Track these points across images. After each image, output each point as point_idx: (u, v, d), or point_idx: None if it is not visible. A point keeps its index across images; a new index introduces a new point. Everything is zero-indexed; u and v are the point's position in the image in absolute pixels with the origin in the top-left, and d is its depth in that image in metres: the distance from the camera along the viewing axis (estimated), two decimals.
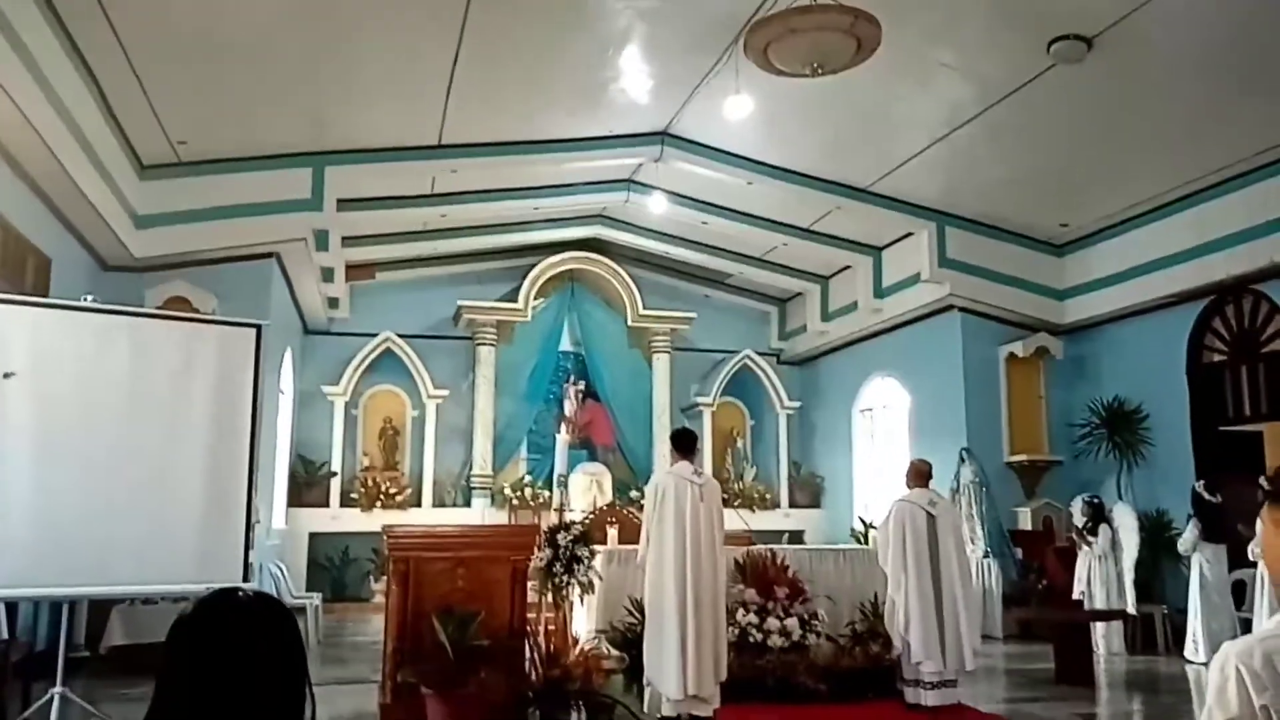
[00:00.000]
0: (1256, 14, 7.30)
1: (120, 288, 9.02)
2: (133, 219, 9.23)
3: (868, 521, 12.45)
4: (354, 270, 13.23)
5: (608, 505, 11.99)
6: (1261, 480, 8.80)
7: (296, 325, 13.11)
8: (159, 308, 9.06)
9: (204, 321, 6.46)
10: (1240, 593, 9.14)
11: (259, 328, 5.73)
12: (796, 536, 13.69)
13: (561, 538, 6.33)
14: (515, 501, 13.80)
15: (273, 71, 8.26)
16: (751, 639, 6.84)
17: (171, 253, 9.52)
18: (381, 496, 13.38)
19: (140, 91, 8.16)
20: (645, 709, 6.16)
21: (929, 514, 6.86)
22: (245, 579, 5.85)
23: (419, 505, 13.63)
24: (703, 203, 12.29)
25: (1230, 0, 7.19)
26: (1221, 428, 10.45)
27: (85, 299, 5.55)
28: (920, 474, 7.09)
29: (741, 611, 6.91)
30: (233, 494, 5.80)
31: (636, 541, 6.50)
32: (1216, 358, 10.58)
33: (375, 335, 13.81)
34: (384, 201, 11.59)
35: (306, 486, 13.29)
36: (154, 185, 9.42)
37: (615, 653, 6.59)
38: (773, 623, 6.93)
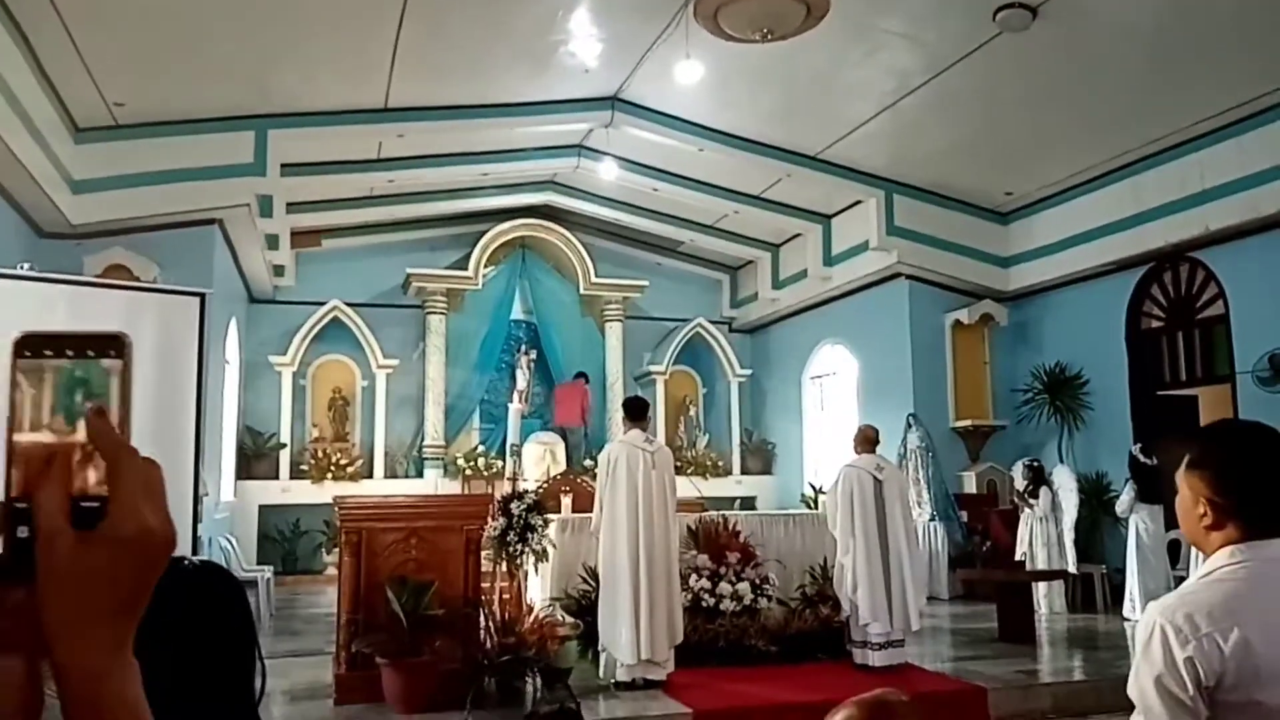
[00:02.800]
0: None
1: (58, 255, 8.74)
2: (69, 184, 8.95)
3: (818, 487, 12.64)
4: (300, 237, 12.99)
5: (561, 474, 12.02)
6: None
7: (241, 294, 12.85)
8: (98, 276, 8.82)
9: (145, 290, 6.29)
10: (1176, 551, 9.46)
11: (203, 296, 5.58)
12: (749, 503, 13.86)
13: (515, 506, 6.34)
14: (468, 472, 13.76)
15: (213, 31, 8.02)
16: (704, 604, 6.94)
17: (110, 219, 9.24)
18: (332, 468, 13.26)
19: (74, 51, 7.88)
20: (600, 674, 6.22)
21: (876, 479, 6.98)
22: (194, 552, 5.77)
23: (371, 476, 13.52)
24: (654, 169, 12.25)
25: None
26: (1159, 392, 10.75)
27: (21, 267, 5.37)
28: (867, 440, 7.21)
29: (694, 577, 7.00)
30: (179, 467, 5.68)
31: (590, 510, 6.54)
32: (1154, 324, 10.87)
33: (323, 304, 13.59)
34: (330, 166, 11.37)
35: (255, 459, 13.11)
36: (90, 149, 9.12)
37: (570, 619, 6.64)
38: (725, 587, 7.04)
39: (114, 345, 0.64)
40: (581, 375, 14.46)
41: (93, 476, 0.61)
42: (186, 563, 1.47)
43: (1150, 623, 1.62)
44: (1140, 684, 1.60)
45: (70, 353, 0.62)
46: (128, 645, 0.62)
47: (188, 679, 1.39)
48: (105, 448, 0.61)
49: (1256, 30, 7.85)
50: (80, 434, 0.61)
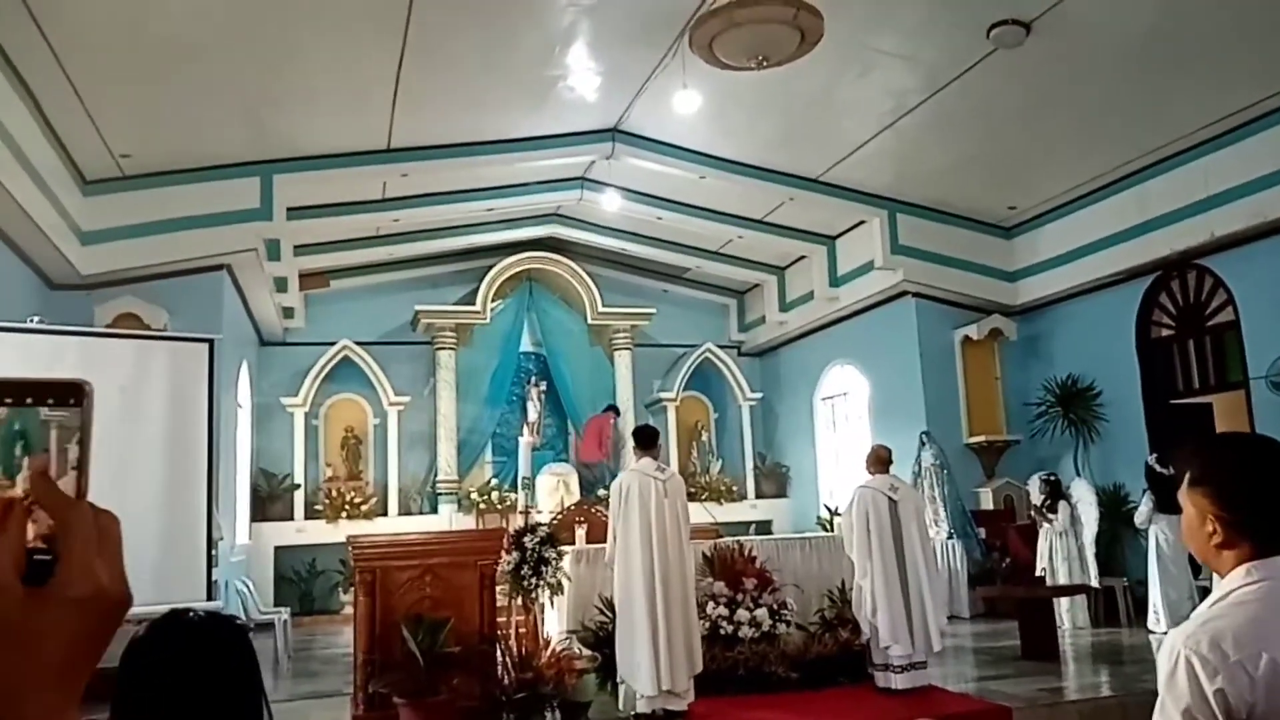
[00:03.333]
0: None
1: (69, 306, 8.86)
2: (77, 235, 9.06)
3: (833, 509, 12.56)
4: (308, 279, 13.09)
5: (575, 505, 11.98)
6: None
7: (251, 337, 12.94)
8: (109, 325, 8.91)
9: (154, 338, 6.36)
10: (1197, 562, 9.34)
11: (211, 341, 5.65)
12: (764, 527, 13.78)
13: (528, 540, 6.33)
14: (482, 505, 13.73)
15: (215, 80, 8.14)
16: (722, 631, 6.89)
17: (119, 268, 9.35)
18: (347, 506, 13.25)
19: (79, 104, 8.01)
20: (620, 707, 6.18)
21: (891, 499, 6.94)
22: (209, 597, 5.78)
23: (385, 514, 13.51)
24: (656, 198, 12.31)
25: None
26: (1172, 401, 10.68)
27: (31, 320, 5.44)
28: (880, 460, 7.17)
29: (711, 604, 6.95)
30: (192, 511, 5.72)
31: (604, 540, 6.52)
32: (1164, 332, 10.81)
33: (332, 344, 13.65)
34: (335, 208, 11.48)
35: (270, 500, 13.13)
36: (98, 200, 9.25)
37: (587, 652, 6.59)
38: (742, 614, 6.98)
39: (74, 393, 0.62)
40: (612, 408, 14.38)
41: (39, 529, 0.59)
42: (192, 614, 1.48)
43: (1174, 653, 1.55)
44: (1167, 717, 1.56)
45: (30, 400, 0.61)
46: (73, 707, 0.60)
47: None
48: (51, 506, 0.59)
49: (1255, 33, 7.86)
50: (19, 488, 0.60)
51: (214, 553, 7.15)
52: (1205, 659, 1.52)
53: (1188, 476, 1.72)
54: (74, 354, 5.48)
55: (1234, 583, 1.64)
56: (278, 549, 12.86)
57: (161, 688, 1.39)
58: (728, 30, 6.83)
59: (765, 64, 7.09)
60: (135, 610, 1.52)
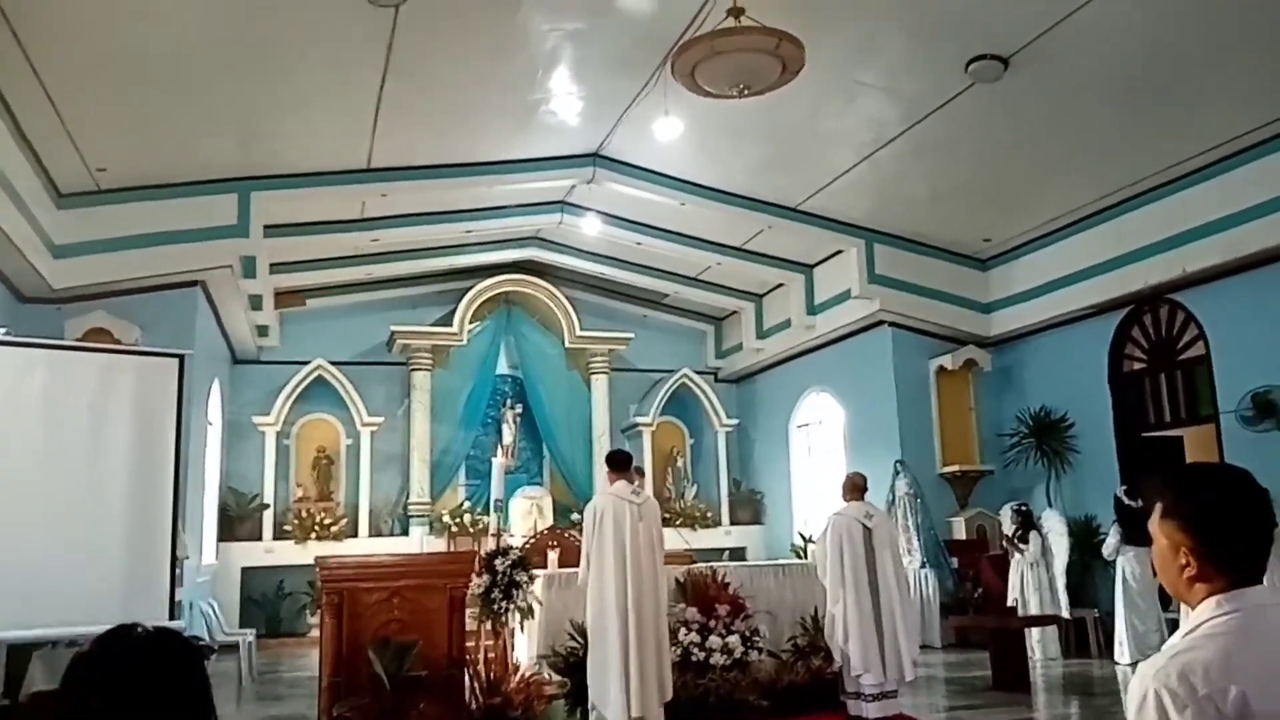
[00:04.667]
0: (1164, 33, 7.60)
1: (39, 320, 8.74)
2: (50, 249, 8.96)
3: (807, 536, 12.55)
4: (283, 297, 13.00)
5: (548, 529, 11.90)
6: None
7: (224, 354, 12.81)
8: (79, 339, 8.79)
9: (123, 352, 6.27)
10: (1166, 594, 9.39)
11: (181, 357, 5.58)
12: (738, 554, 13.72)
13: (499, 563, 6.26)
14: (454, 528, 13.61)
15: (195, 96, 8.09)
16: (694, 658, 6.83)
17: (91, 283, 9.24)
18: (316, 528, 13.09)
19: (55, 117, 7.93)
20: None
21: (865, 527, 6.94)
22: (171, 617, 5.67)
23: (355, 535, 13.36)
24: (636, 223, 12.35)
25: (1138, 21, 7.47)
26: (1144, 434, 10.77)
27: None
28: (856, 487, 7.18)
29: (683, 631, 6.89)
30: (157, 529, 5.63)
31: (577, 565, 6.47)
32: (1136, 366, 10.92)
33: (306, 363, 13.55)
34: (313, 227, 11.43)
35: (238, 520, 12.95)
36: (73, 214, 9.15)
37: (557, 678, 6.52)
38: (715, 641, 6.93)
39: None
40: (638, 470, 14.23)
41: None
42: (139, 630, 1.44)
43: (1143, 687, 1.54)
44: None
45: None
46: None
47: None
48: None
49: (1229, 73, 8.00)
50: None
51: (178, 572, 7.03)
52: (1175, 692, 1.51)
53: (1160, 508, 1.71)
54: (42, 367, 5.40)
55: (1204, 615, 1.63)
56: (245, 570, 12.68)
57: (107, 706, 1.34)
58: (710, 59, 6.87)
59: (747, 93, 7.13)
60: (102, 629, 1.47)
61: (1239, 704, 1.48)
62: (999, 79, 8.26)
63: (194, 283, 9.99)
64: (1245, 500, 1.67)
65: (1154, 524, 1.71)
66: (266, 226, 10.23)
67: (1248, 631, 1.57)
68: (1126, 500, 9.39)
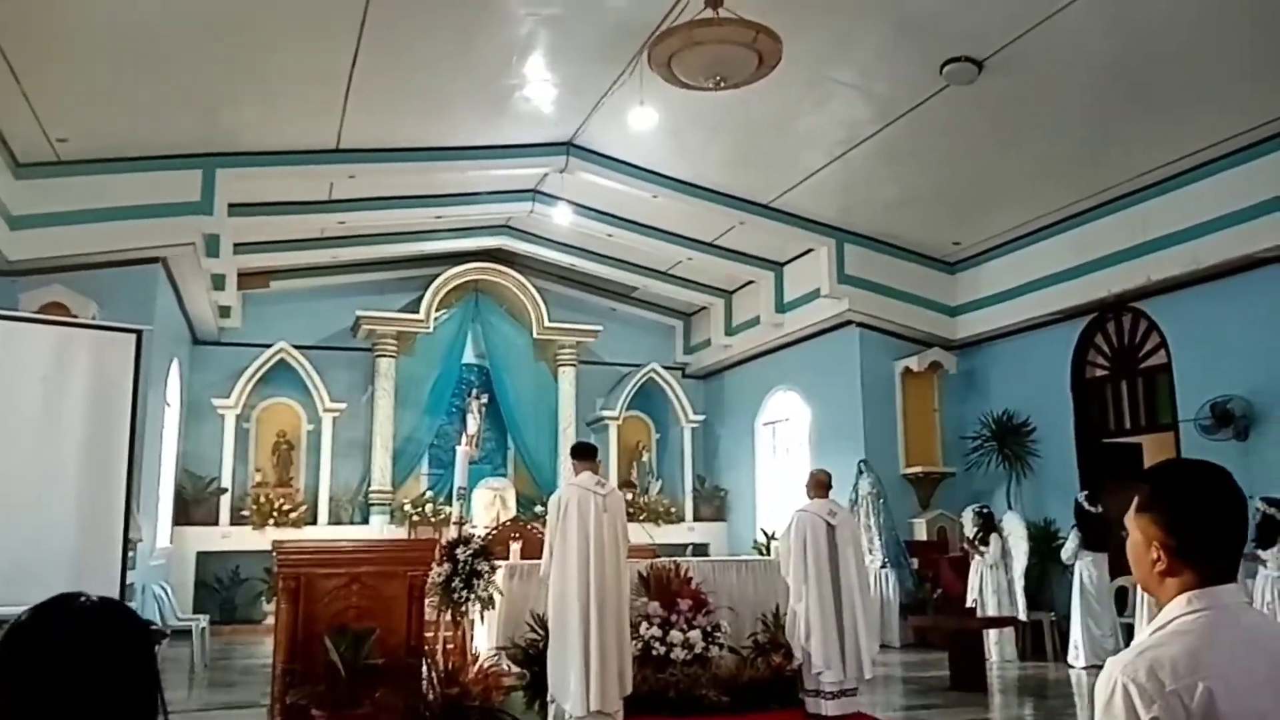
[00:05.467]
0: (1135, 43, 7.67)
1: None
2: (6, 220, 8.72)
3: (770, 533, 12.57)
4: (247, 278, 12.77)
5: (511, 520, 11.82)
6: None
7: (185, 335, 12.57)
8: (34, 313, 8.57)
9: (79, 326, 6.11)
10: (1122, 599, 9.51)
11: (139, 333, 5.43)
12: (701, 550, 13.75)
13: (461, 552, 6.18)
14: (416, 518, 13.48)
15: (161, 68, 7.91)
16: (655, 652, 6.80)
17: (49, 256, 8.99)
18: (275, 514, 12.90)
19: (15, 84, 7.72)
20: None
21: (829, 524, 6.94)
22: (123, 599, 5.53)
23: (315, 523, 13.19)
24: (608, 215, 12.28)
25: (1112, 30, 7.53)
26: (1104, 440, 10.89)
27: None
28: (820, 484, 7.18)
29: (645, 624, 6.86)
30: (109, 508, 5.49)
31: (539, 556, 6.41)
32: (1099, 372, 11.04)
33: (269, 346, 13.34)
34: (279, 207, 11.24)
35: (194, 503, 12.73)
36: (31, 185, 8.91)
37: (516, 669, 6.47)
38: (676, 635, 6.91)
39: None
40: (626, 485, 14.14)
41: None
42: (83, 599, 1.36)
43: (1111, 680, 1.54)
44: None
45: None
46: None
47: None
48: None
49: (1197, 87, 8.09)
50: None
51: (131, 554, 6.88)
52: (1143, 687, 1.50)
53: (1136, 501, 1.70)
54: None
55: (1174, 612, 1.62)
56: (200, 554, 12.47)
57: (45, 677, 1.26)
58: (687, 48, 6.82)
59: (723, 85, 7.09)
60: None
61: (1205, 701, 1.47)
62: (972, 82, 8.29)
63: (155, 259, 9.78)
64: (1221, 497, 1.66)
65: (1129, 517, 1.71)
66: (231, 205, 10.05)
67: (1217, 630, 1.56)
68: (1087, 506, 9.50)
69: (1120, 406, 10.80)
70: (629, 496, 12.16)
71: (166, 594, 9.75)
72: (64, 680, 1.27)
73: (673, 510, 14.90)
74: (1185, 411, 9.63)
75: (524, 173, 11.31)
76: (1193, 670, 1.50)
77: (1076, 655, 9.17)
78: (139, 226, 9.29)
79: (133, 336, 5.48)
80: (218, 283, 11.59)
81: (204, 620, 9.68)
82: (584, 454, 6.44)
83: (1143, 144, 9.10)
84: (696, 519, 15.04)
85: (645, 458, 15.36)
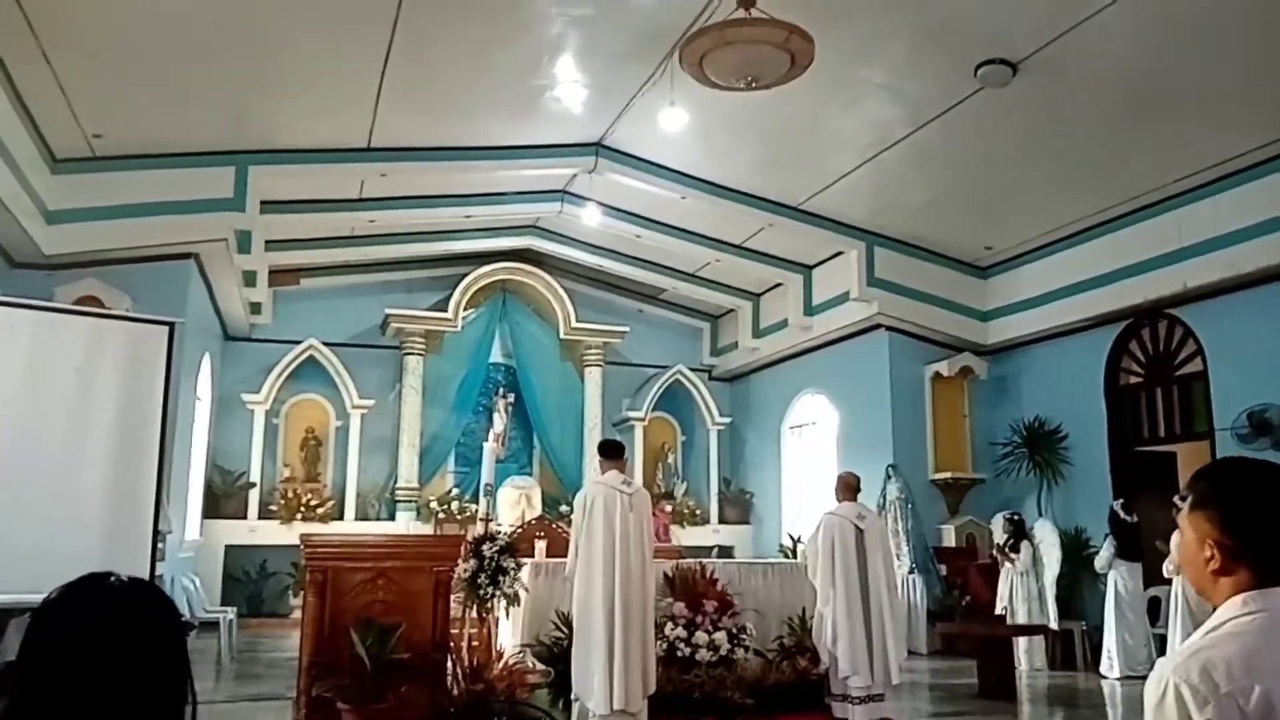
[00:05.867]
0: (1171, 46, 7.55)
1: (29, 286, 8.58)
2: (43, 214, 8.84)
3: (796, 538, 12.47)
4: (278, 275, 12.88)
5: (536, 519, 11.81)
6: (1176, 500, 9.04)
7: (216, 330, 12.69)
8: None
9: (112, 317, 6.16)
10: (1156, 609, 9.35)
11: (171, 325, 5.47)
12: (726, 552, 13.65)
13: (487, 548, 6.17)
14: (441, 515, 13.53)
15: (196, 64, 7.98)
16: (679, 653, 6.75)
17: (84, 250, 9.12)
18: (302, 509, 12.99)
19: (53, 80, 7.82)
20: None
21: (857, 528, 6.87)
22: None
23: (341, 518, 13.26)
24: (636, 216, 12.26)
25: (1147, 32, 7.42)
26: (1137, 448, 10.73)
27: None
28: (849, 487, 7.10)
29: (670, 625, 6.82)
30: (140, 499, 5.53)
31: (564, 555, 6.39)
32: (1133, 380, 10.88)
33: (299, 343, 13.44)
34: (310, 205, 11.32)
35: (224, 497, 12.85)
36: (67, 180, 9.03)
37: (541, 667, 6.45)
38: (701, 636, 6.86)
39: None
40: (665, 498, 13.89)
41: None
42: (113, 579, 1.34)
43: (1163, 681, 1.48)
44: None
45: None
46: None
47: (113, 701, 1.26)
48: None
49: (1235, 90, 7.96)
50: None
51: (160, 545, 6.94)
52: (1195, 688, 1.45)
53: (1190, 500, 1.66)
54: (28, 330, 5.29)
55: (1229, 613, 1.57)
56: (228, 548, 12.57)
57: (75, 655, 1.25)
58: (719, 48, 6.78)
59: (754, 85, 7.05)
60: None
61: (1263, 705, 1.42)
62: (1007, 84, 8.20)
63: (188, 255, 9.88)
64: (1277, 494, 1.61)
65: (1183, 516, 1.67)
66: (263, 202, 10.13)
67: (1273, 631, 1.51)
68: (1123, 515, 9.35)
69: (1155, 414, 10.64)
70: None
71: (195, 586, 9.83)
72: (94, 658, 1.25)
73: (698, 513, 14.86)
74: (1221, 420, 9.47)
75: (553, 173, 11.32)
76: (1248, 673, 1.45)
77: (1111, 666, 9.02)
78: (172, 222, 9.39)
79: (165, 329, 5.52)
80: (249, 279, 11.70)
81: (231, 612, 9.75)
82: (612, 452, 6.41)
83: (1180, 148, 8.96)
84: (721, 522, 14.98)
85: (671, 460, 15.32)
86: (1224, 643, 1.51)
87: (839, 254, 12.35)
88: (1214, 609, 1.64)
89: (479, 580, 6.11)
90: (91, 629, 1.26)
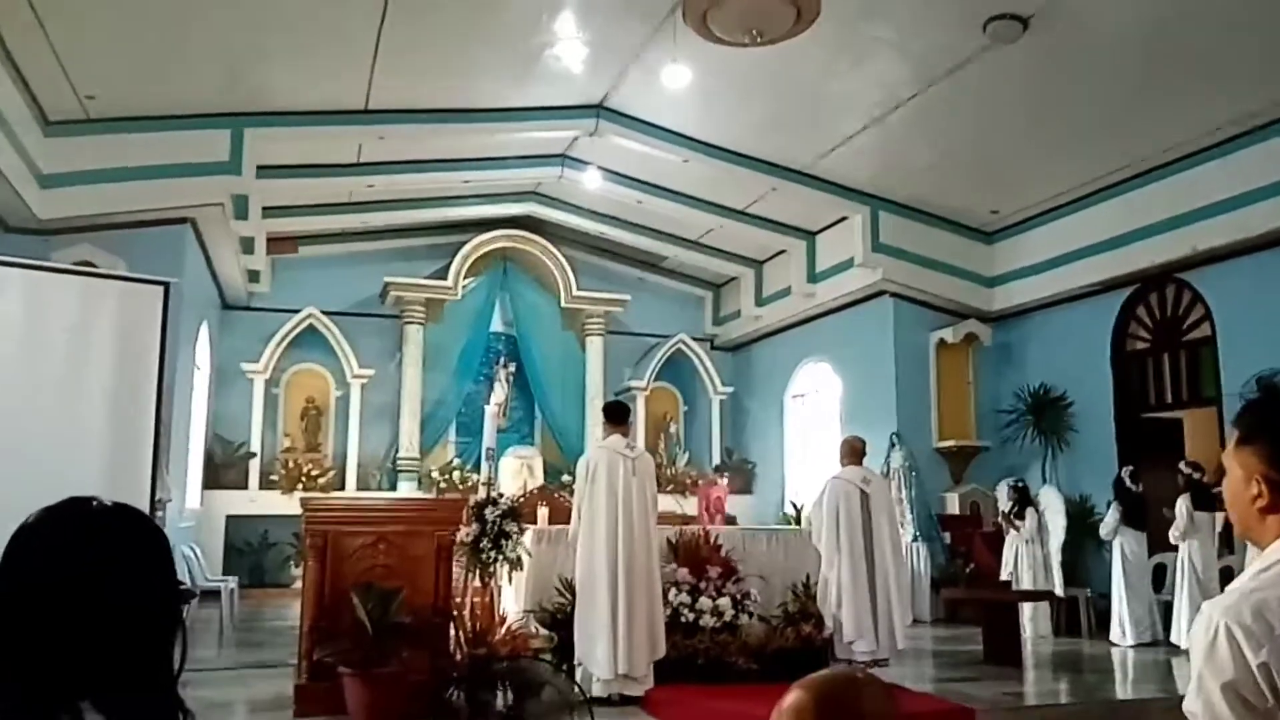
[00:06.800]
0: (1185, 2, 7.38)
1: (22, 250, 8.37)
2: (37, 178, 8.70)
3: (799, 506, 12.41)
4: (275, 243, 12.74)
5: (538, 489, 11.75)
6: (1181, 467, 8.98)
7: (214, 298, 12.58)
8: None
9: (105, 277, 6.04)
10: (1161, 577, 9.30)
11: (167, 285, 5.35)
12: (728, 522, 13.57)
13: (489, 512, 6.10)
14: (443, 484, 13.48)
15: (191, 23, 7.82)
16: (683, 619, 6.68)
17: (78, 214, 8.99)
18: (303, 478, 12.94)
19: (45, 40, 7.66)
20: (574, 691, 5.96)
21: (863, 491, 6.80)
22: None
23: (342, 488, 13.22)
24: (638, 180, 12.11)
25: None
26: (1144, 414, 10.64)
27: None
28: (855, 451, 7.03)
29: (674, 591, 6.75)
30: (137, 465, 5.43)
31: (567, 523, 6.31)
32: (1139, 345, 10.77)
33: (298, 311, 13.33)
34: (308, 170, 11.17)
35: (224, 467, 12.79)
36: (60, 142, 8.89)
37: (544, 632, 6.38)
38: (705, 602, 6.78)
39: None
40: (718, 471, 13.53)
41: None
42: (96, 502, 1.24)
43: (1212, 624, 1.41)
44: (1206, 694, 1.38)
45: None
46: None
47: (96, 628, 1.16)
48: None
49: (1247, 49, 7.80)
50: None
51: (160, 514, 6.86)
52: (1249, 629, 1.38)
53: (1236, 435, 1.59)
54: (18, 289, 5.18)
55: (1278, 555, 1.49)
56: (229, 518, 12.53)
57: (56, 580, 1.15)
58: (725, 2, 6.65)
59: (760, 39, 6.93)
60: None
61: None
62: (1016, 40, 8.03)
63: (184, 220, 9.75)
64: None
65: (1228, 455, 1.59)
66: (260, 167, 9.97)
67: None
68: (1129, 483, 9.27)
69: (1162, 380, 10.54)
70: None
71: (196, 555, 9.77)
72: (75, 577, 1.16)
73: (700, 482, 14.77)
74: (1230, 386, 9.35)
75: (553, 135, 11.15)
76: None
77: (1122, 634, 8.96)
78: (167, 186, 9.25)
79: (160, 289, 5.40)
80: (246, 246, 11.58)
81: (233, 582, 9.71)
82: (616, 415, 6.32)
83: (1191, 107, 8.80)
84: None
85: (673, 429, 15.25)
86: (1276, 583, 1.43)
87: (843, 219, 12.21)
88: (1260, 549, 1.56)
89: (481, 545, 6.04)
90: (73, 545, 1.17)
